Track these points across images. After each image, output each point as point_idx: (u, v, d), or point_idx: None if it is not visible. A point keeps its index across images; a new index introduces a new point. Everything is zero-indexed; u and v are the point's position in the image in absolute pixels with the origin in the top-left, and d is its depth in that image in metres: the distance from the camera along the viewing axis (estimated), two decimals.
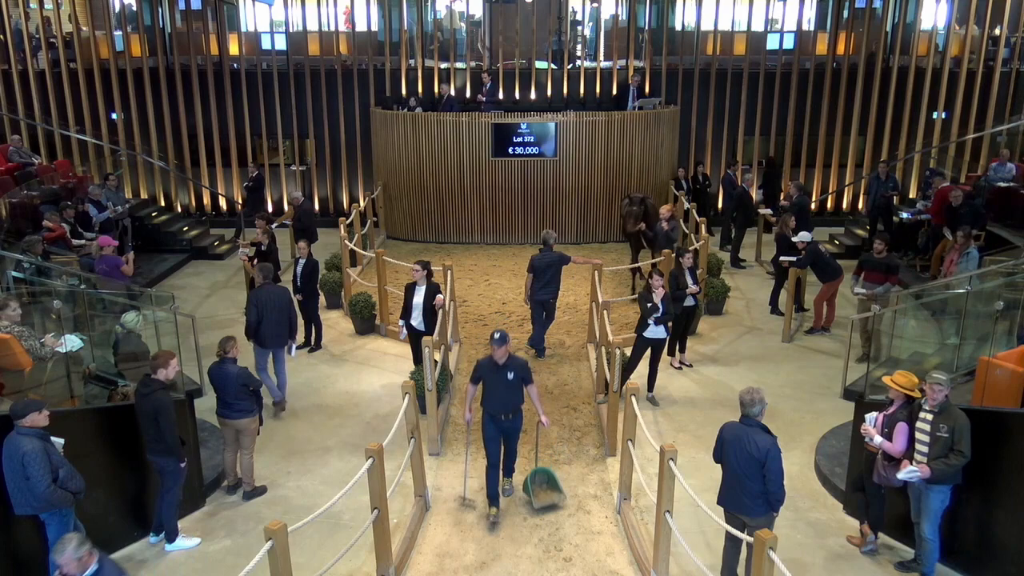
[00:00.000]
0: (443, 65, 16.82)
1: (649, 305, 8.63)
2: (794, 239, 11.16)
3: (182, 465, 6.46)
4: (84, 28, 16.77)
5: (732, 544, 5.84)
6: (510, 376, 6.77)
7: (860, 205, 17.22)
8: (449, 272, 10.46)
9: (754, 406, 5.54)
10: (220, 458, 7.58)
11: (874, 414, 6.29)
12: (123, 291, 9.48)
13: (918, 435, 5.95)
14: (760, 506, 5.49)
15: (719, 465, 5.77)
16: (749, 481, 5.45)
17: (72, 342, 7.26)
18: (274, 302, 8.61)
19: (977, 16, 16.33)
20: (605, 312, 8.94)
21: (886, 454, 6.08)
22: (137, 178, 17.09)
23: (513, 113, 15.34)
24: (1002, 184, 12.60)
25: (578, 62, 17.12)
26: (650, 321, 8.68)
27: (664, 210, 11.68)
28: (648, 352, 8.98)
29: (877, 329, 9.17)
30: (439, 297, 9.19)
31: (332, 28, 16.79)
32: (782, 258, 11.34)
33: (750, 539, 4.96)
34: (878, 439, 6.08)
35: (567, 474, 7.64)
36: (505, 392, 6.80)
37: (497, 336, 6.72)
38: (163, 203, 17.13)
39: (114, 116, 16.86)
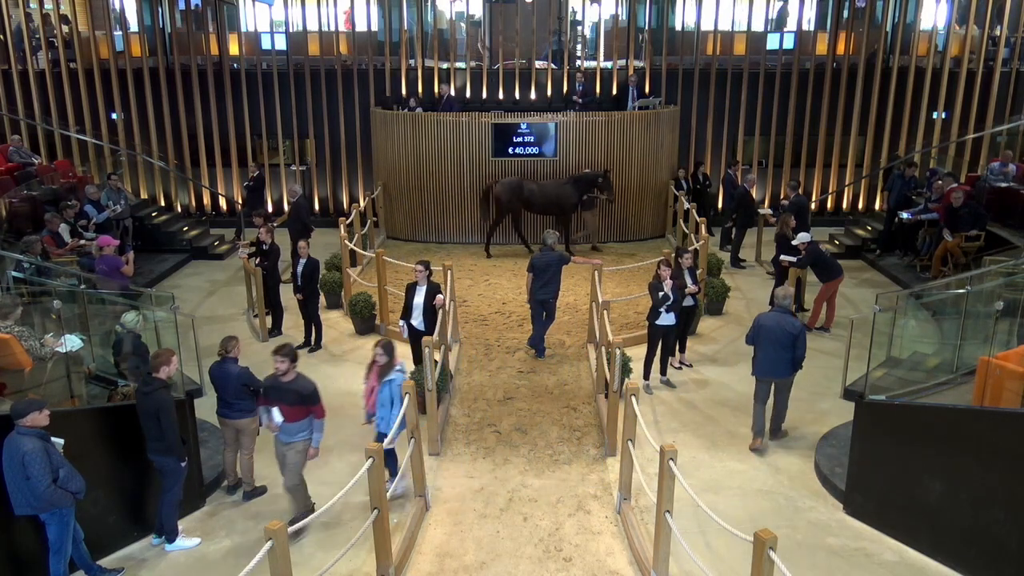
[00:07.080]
0: (443, 65, 16.82)
1: (661, 294, 8.96)
2: (794, 242, 11.16)
3: (183, 464, 6.46)
4: (83, 28, 16.76)
5: (761, 404, 7.98)
6: None
7: (866, 204, 17.22)
8: (449, 272, 10.46)
9: (786, 299, 7.85)
10: (220, 458, 7.58)
11: None
12: (123, 291, 9.48)
13: None
14: (790, 369, 7.79)
15: (751, 347, 7.93)
16: (784, 351, 7.66)
17: (72, 342, 7.26)
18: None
19: (977, 16, 16.33)
20: (605, 312, 8.97)
21: None
22: (137, 178, 17.08)
23: (513, 113, 15.34)
24: (1002, 184, 12.59)
25: (578, 62, 17.12)
26: (661, 309, 9.01)
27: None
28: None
29: None
30: (439, 297, 9.19)
31: (332, 28, 16.79)
32: (782, 258, 11.34)
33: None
34: None
35: (567, 474, 7.64)
36: None
37: None
38: (163, 203, 17.13)
39: (114, 116, 16.87)
